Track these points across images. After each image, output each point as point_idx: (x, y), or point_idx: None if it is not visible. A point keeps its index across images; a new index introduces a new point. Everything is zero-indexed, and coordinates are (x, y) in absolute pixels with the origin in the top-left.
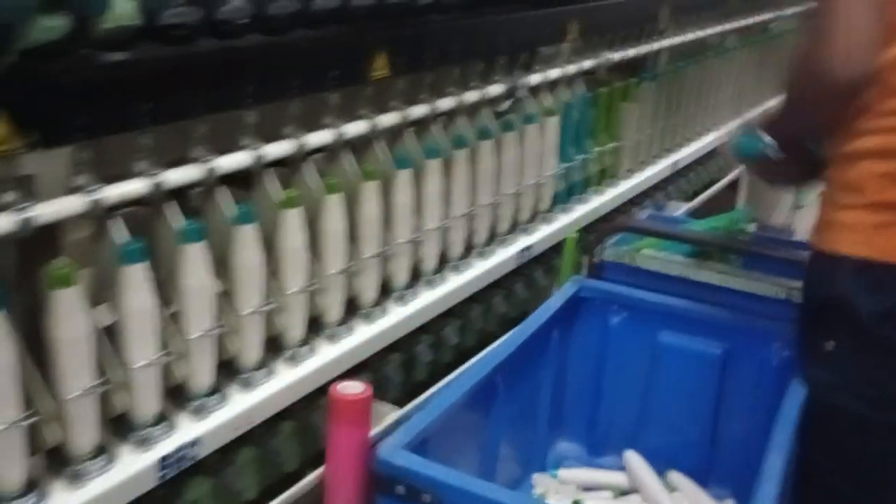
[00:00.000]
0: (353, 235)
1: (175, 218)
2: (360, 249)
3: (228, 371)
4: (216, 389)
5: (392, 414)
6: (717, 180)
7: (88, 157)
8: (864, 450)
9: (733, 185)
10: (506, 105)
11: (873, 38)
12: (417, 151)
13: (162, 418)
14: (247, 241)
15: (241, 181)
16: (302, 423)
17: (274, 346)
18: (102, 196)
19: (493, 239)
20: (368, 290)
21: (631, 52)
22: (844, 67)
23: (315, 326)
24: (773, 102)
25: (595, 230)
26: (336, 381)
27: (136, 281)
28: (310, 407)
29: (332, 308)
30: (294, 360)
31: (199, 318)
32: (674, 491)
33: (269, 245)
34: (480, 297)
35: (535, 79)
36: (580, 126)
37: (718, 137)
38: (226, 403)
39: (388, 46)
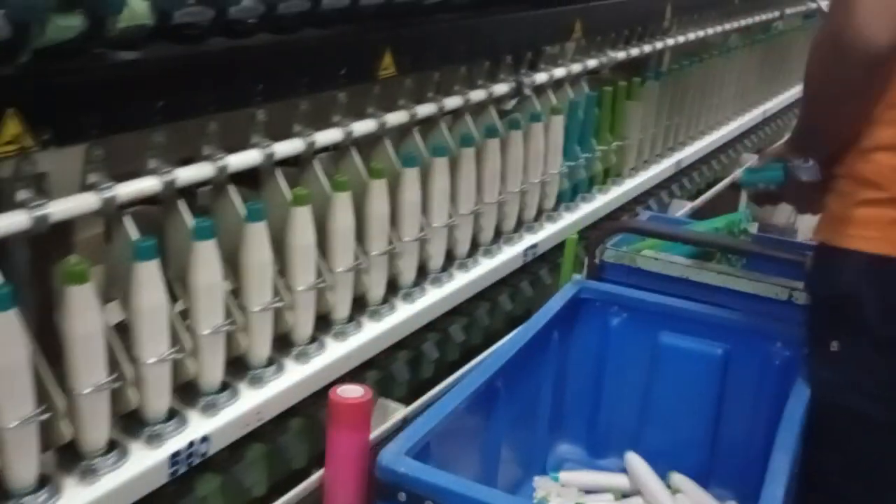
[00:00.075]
0: (360, 233)
1: (187, 215)
2: (368, 247)
3: (238, 368)
4: (226, 386)
5: (398, 412)
6: (721, 179)
7: (101, 154)
8: (872, 450)
9: (736, 185)
10: (511, 104)
11: None
12: (424, 150)
13: (173, 415)
14: (257, 238)
15: (246, 180)
16: (310, 420)
17: (282, 344)
18: (115, 193)
19: (500, 237)
20: (376, 287)
21: (634, 52)
22: (873, 35)
23: (323, 324)
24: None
25: (599, 229)
26: (344, 379)
27: (149, 277)
28: (318, 404)
29: (340, 306)
30: (303, 357)
31: (210, 314)
32: (676, 493)
33: (276, 243)
34: (487, 294)
35: (540, 78)
36: (585, 125)
37: (721, 137)
38: (236, 400)
39: (395, 45)
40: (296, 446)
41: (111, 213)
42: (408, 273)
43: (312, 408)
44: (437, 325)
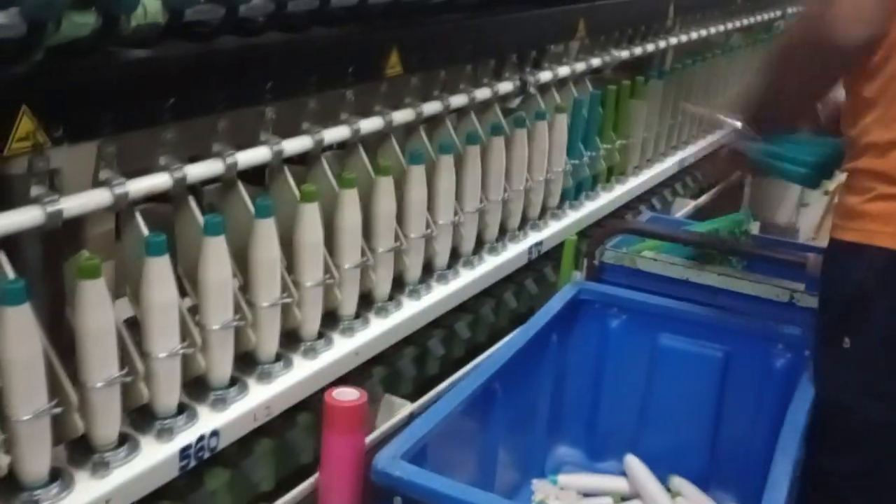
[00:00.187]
0: (366, 230)
1: (197, 211)
2: (374, 244)
3: (246, 364)
4: (235, 381)
5: (405, 407)
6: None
7: (113, 151)
8: (878, 452)
9: (739, 183)
10: (516, 102)
11: None
12: (430, 148)
13: (183, 409)
14: (266, 234)
15: (252, 177)
16: (318, 415)
17: (290, 340)
18: (127, 190)
19: (505, 235)
20: (382, 284)
21: (638, 51)
22: (852, 28)
23: (330, 320)
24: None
25: (600, 228)
26: (351, 374)
27: (161, 273)
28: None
29: (347, 302)
30: (311, 353)
31: (219, 310)
32: (676, 496)
33: (284, 240)
34: (492, 292)
35: (544, 76)
36: (589, 123)
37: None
38: (245, 395)
39: (402, 45)
40: (303, 441)
41: (123, 209)
42: (414, 270)
43: (320, 403)
44: (442, 322)
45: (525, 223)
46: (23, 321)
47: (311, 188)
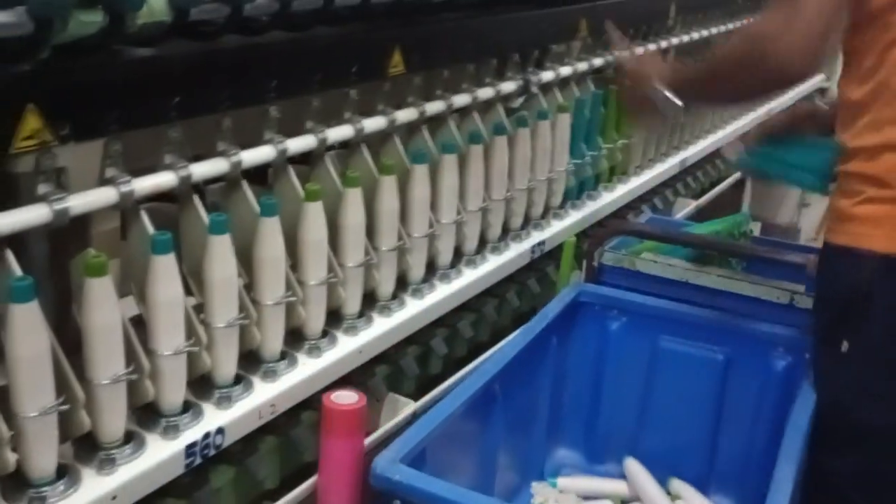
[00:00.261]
0: (370, 229)
1: (202, 210)
2: (378, 243)
3: (251, 362)
4: (240, 379)
5: (408, 406)
6: (725, 178)
7: (119, 149)
8: (879, 454)
9: (740, 184)
10: (518, 102)
11: (832, 26)
12: (433, 147)
13: (188, 407)
14: (271, 233)
15: (255, 176)
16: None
17: (294, 338)
18: (133, 188)
19: (507, 234)
20: (386, 283)
21: (640, 50)
22: (800, 62)
23: (334, 319)
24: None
25: (600, 229)
26: (354, 373)
27: (166, 271)
28: None
29: (351, 301)
30: (315, 351)
31: (224, 308)
32: (676, 499)
33: (288, 239)
34: (494, 291)
35: (546, 76)
36: (591, 123)
37: (725, 136)
38: (249, 393)
39: (405, 44)
40: (308, 439)
41: (128, 208)
42: (417, 269)
43: None
44: (445, 321)
45: (527, 222)
46: (30, 318)
47: (314, 187)
